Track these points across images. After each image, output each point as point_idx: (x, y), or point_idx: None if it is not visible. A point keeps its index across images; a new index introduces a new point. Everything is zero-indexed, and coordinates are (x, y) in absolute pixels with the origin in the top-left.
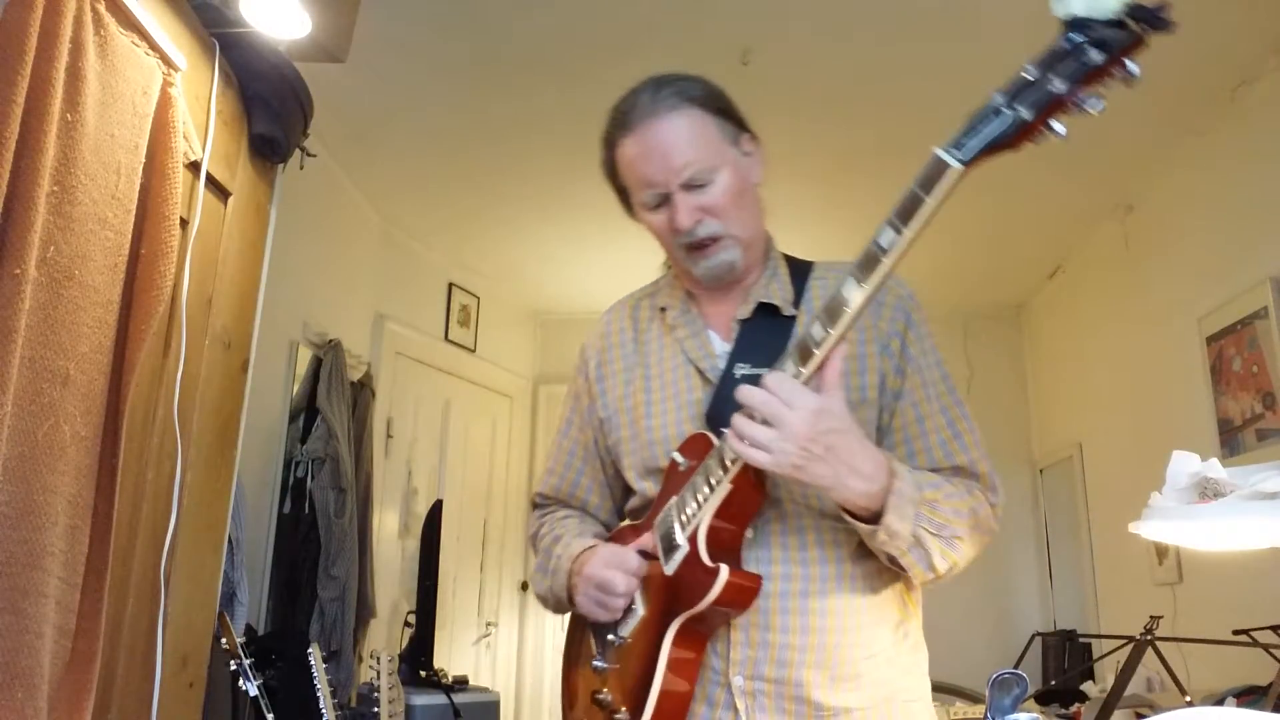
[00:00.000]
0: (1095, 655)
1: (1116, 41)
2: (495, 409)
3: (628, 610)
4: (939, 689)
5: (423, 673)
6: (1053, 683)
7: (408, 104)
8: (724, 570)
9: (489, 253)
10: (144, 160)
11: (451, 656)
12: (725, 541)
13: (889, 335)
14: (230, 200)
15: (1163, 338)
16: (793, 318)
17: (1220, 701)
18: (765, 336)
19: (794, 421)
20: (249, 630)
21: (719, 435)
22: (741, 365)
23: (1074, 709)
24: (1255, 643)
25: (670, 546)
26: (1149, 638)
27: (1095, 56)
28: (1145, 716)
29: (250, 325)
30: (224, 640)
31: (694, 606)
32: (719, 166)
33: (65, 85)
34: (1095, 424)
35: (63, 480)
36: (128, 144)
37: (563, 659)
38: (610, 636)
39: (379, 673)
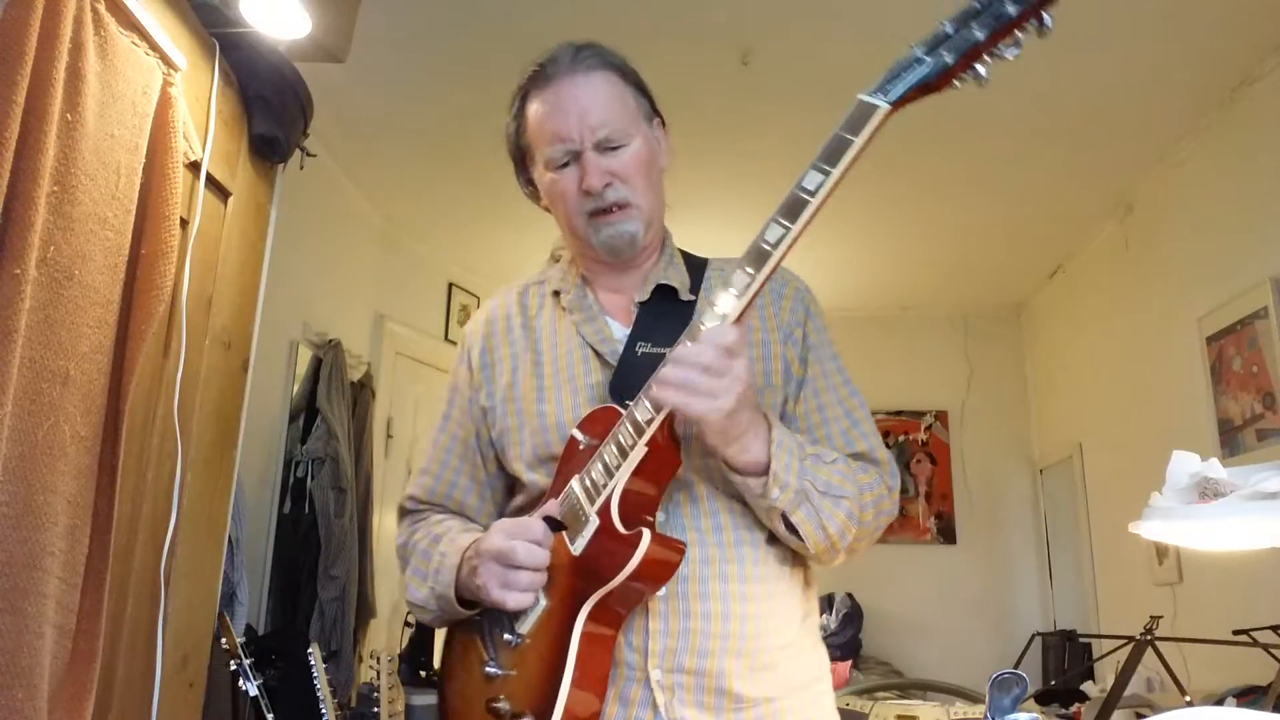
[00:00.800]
0: (1095, 655)
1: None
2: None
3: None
4: (939, 689)
5: (423, 673)
6: (1053, 683)
7: (408, 104)
8: (646, 534)
9: (489, 253)
10: (144, 160)
11: None
12: (639, 514)
13: (791, 325)
14: (230, 200)
15: (1163, 338)
16: (691, 302)
17: (1220, 701)
18: (664, 319)
19: (739, 367)
20: (249, 630)
21: (624, 406)
22: (642, 344)
23: (1074, 709)
24: (1255, 643)
25: (577, 524)
26: (1149, 638)
27: (1010, 9)
28: (1145, 716)
29: (250, 325)
30: (224, 640)
31: (613, 579)
32: (633, 134)
33: (65, 85)
34: (1095, 424)
35: (63, 480)
36: (128, 144)
37: (440, 678)
38: (507, 636)
39: (379, 673)
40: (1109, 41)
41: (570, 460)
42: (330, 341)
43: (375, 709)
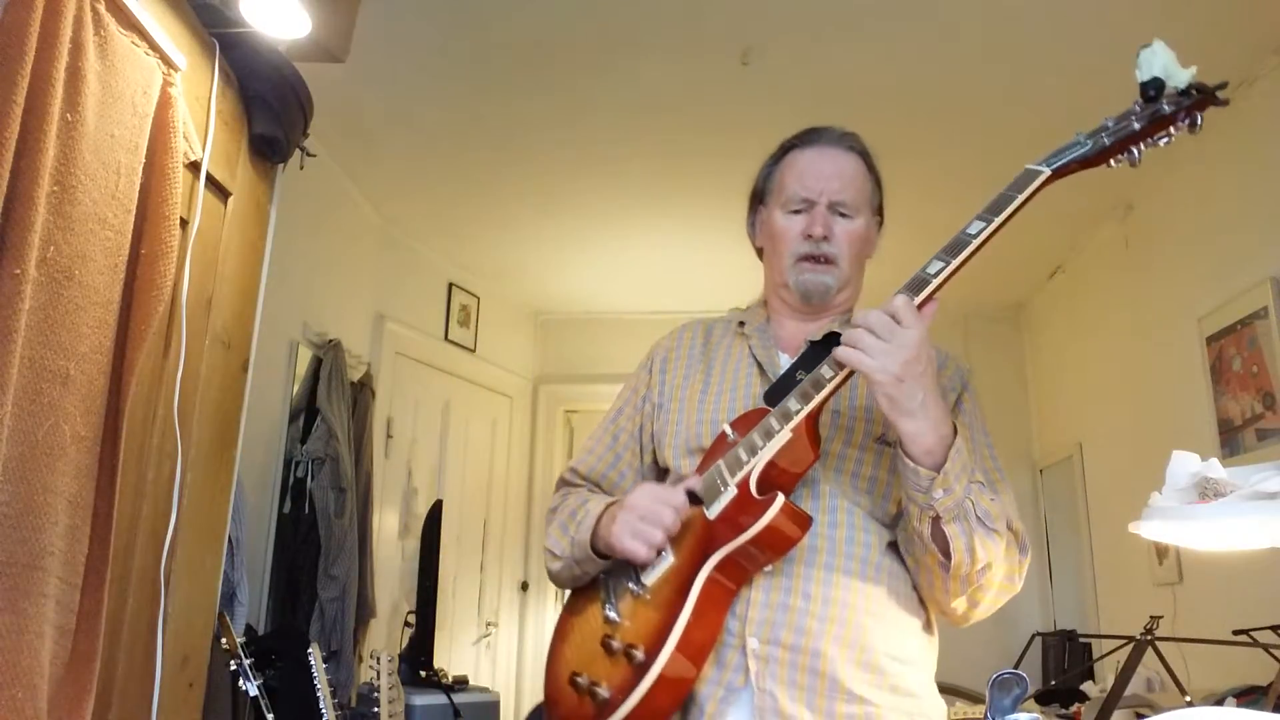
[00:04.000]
0: (1095, 655)
1: (1184, 103)
2: (495, 409)
3: (655, 560)
4: (939, 689)
5: (423, 673)
6: (1053, 683)
7: (408, 104)
8: (780, 498)
9: (489, 253)
10: (144, 160)
11: (451, 656)
12: (774, 489)
13: (947, 389)
14: (230, 200)
15: (1163, 338)
16: None
17: (1220, 701)
18: (826, 356)
19: (907, 336)
20: (249, 630)
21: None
22: (801, 372)
23: (1074, 709)
24: (1255, 643)
25: (714, 494)
26: (1149, 638)
27: (1166, 108)
28: (1145, 716)
29: (250, 325)
30: (224, 640)
31: (741, 534)
32: (861, 212)
33: (65, 85)
34: (1095, 424)
35: (63, 480)
36: (128, 144)
37: (563, 613)
38: (631, 586)
39: (379, 673)
40: (1109, 41)
41: (717, 452)
42: (330, 341)
43: (375, 709)
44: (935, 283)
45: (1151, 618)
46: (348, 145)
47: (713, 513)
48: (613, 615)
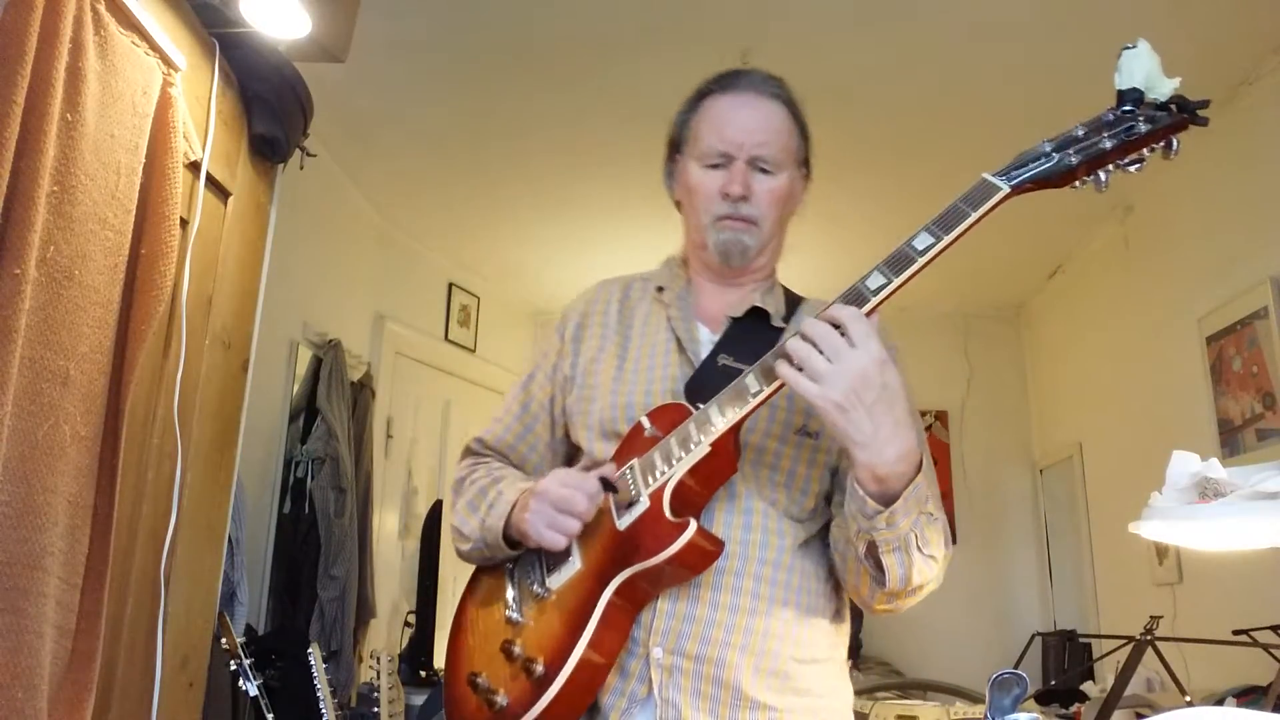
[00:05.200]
0: (1095, 655)
1: (1162, 120)
2: (495, 409)
3: (562, 560)
4: (939, 689)
5: (423, 673)
6: (1053, 683)
7: (408, 104)
8: (693, 524)
9: (489, 253)
10: (144, 160)
11: None
12: (687, 505)
13: None
14: (230, 200)
15: (1163, 338)
16: (780, 329)
17: (1220, 701)
18: (750, 340)
19: (856, 360)
20: (249, 630)
21: (695, 407)
22: (725, 356)
23: (1074, 709)
24: (1255, 643)
25: (628, 502)
26: (1149, 638)
27: (1142, 127)
28: (1145, 716)
29: (250, 325)
30: (224, 640)
31: (650, 559)
32: (784, 167)
33: (65, 85)
34: (1095, 424)
35: (63, 480)
36: (128, 144)
37: (461, 608)
38: (536, 589)
39: (379, 673)
40: (1109, 41)
41: (633, 444)
42: (330, 341)
43: (375, 709)
44: (874, 301)
45: (1151, 618)
46: (348, 145)
47: (623, 524)
48: (515, 616)
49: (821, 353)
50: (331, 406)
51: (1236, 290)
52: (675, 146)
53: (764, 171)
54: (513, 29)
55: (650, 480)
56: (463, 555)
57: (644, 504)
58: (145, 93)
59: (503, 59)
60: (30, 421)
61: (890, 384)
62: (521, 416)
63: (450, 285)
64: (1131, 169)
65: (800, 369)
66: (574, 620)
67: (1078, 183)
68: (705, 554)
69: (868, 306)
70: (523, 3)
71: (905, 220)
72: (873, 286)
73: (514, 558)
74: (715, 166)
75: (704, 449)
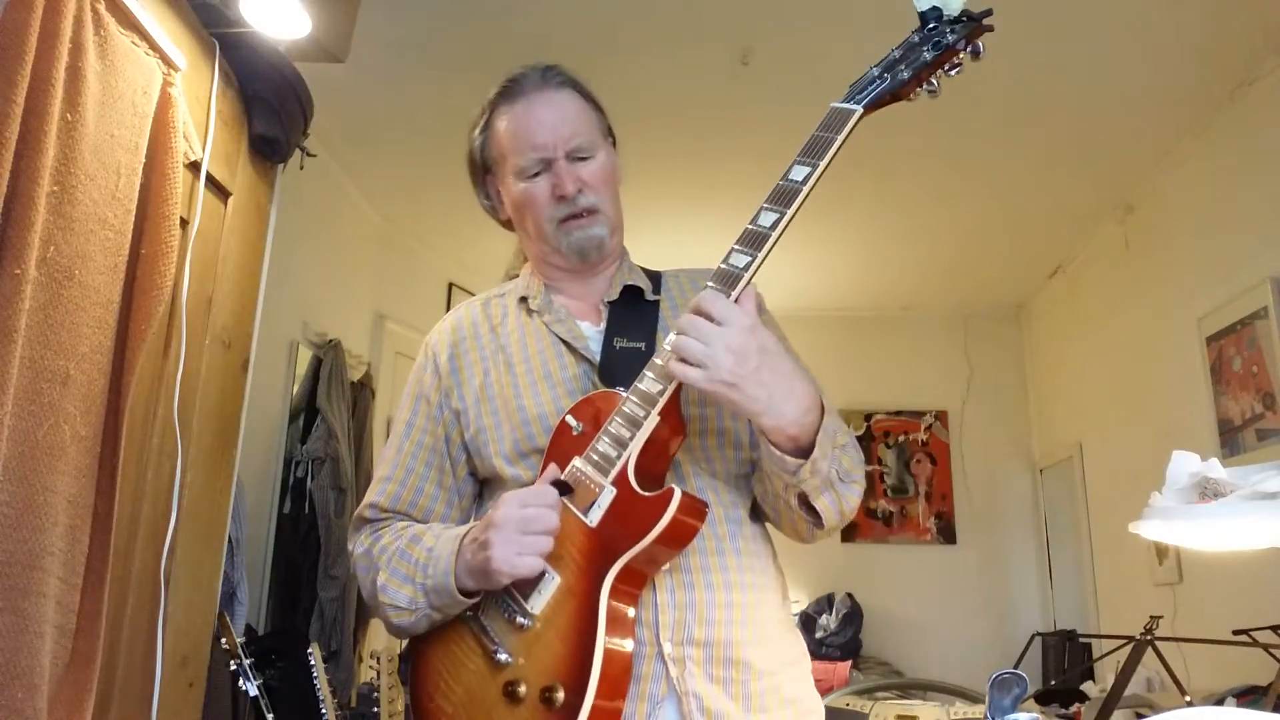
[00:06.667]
0: (1095, 655)
1: (960, 31)
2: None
3: (535, 582)
4: (939, 689)
5: None
6: (1053, 683)
7: (408, 104)
8: (677, 491)
9: (489, 253)
10: (144, 160)
11: None
12: (653, 477)
13: None
14: (230, 200)
15: (1163, 338)
16: (656, 302)
17: (1220, 701)
18: (634, 316)
19: (727, 335)
20: (249, 630)
21: (622, 390)
22: (619, 339)
23: (1074, 709)
24: (1255, 643)
25: (587, 497)
26: (1149, 638)
27: (949, 37)
28: (1145, 716)
29: (250, 325)
30: (224, 640)
31: (643, 539)
32: (599, 146)
33: (65, 85)
34: (1095, 424)
35: (63, 480)
36: (128, 144)
37: (420, 685)
38: (519, 620)
39: (379, 673)
40: (1109, 42)
41: (561, 446)
42: (330, 341)
43: (375, 709)
44: (774, 237)
45: (1151, 618)
46: (348, 145)
47: (594, 519)
48: (503, 658)
49: (697, 339)
50: (331, 406)
51: (1236, 290)
52: (483, 169)
53: (583, 159)
54: (513, 29)
55: (607, 469)
56: (405, 629)
57: (610, 492)
58: (145, 93)
59: (503, 59)
60: (30, 421)
61: (767, 346)
62: (414, 468)
63: (450, 285)
64: (952, 73)
65: (686, 359)
66: (578, 632)
67: (913, 94)
68: (695, 517)
69: (768, 243)
70: (523, 3)
71: (906, 224)
72: (766, 223)
73: (473, 605)
74: (538, 174)
75: (653, 420)
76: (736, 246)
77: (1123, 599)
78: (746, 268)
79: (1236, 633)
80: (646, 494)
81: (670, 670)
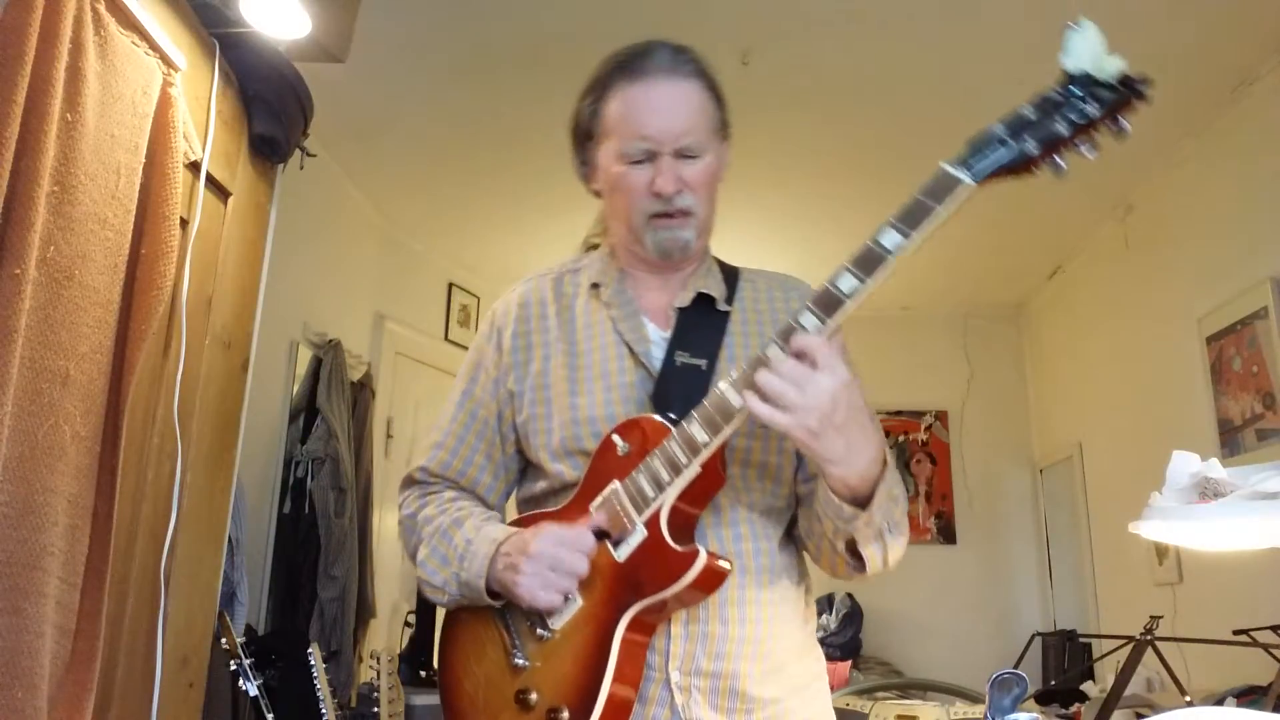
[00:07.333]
0: (1095, 655)
1: (1110, 100)
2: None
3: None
4: (939, 689)
5: (423, 673)
6: (1053, 683)
7: (408, 104)
8: (702, 553)
9: (489, 253)
10: (144, 160)
11: None
12: (683, 527)
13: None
14: (230, 200)
15: (1163, 338)
16: (726, 313)
17: (1220, 701)
18: (701, 328)
19: (824, 384)
20: (249, 630)
21: (670, 420)
22: (681, 354)
23: (1074, 709)
24: (1255, 643)
25: (619, 530)
26: (1149, 638)
27: (1093, 110)
28: (1145, 716)
29: (250, 325)
30: (224, 640)
31: (662, 592)
32: (709, 147)
33: (65, 85)
34: (1095, 424)
35: (63, 480)
36: (128, 144)
37: (448, 654)
38: (539, 631)
39: (379, 673)
40: (1109, 41)
41: (605, 462)
42: (330, 341)
43: (375, 709)
44: (849, 306)
45: (1151, 618)
46: (348, 145)
47: (622, 555)
48: (520, 661)
49: (788, 383)
50: (331, 406)
51: (1236, 290)
52: (586, 135)
53: (689, 158)
54: (513, 29)
55: (641, 507)
56: (438, 603)
57: (641, 533)
58: (145, 93)
59: (503, 59)
60: (30, 421)
61: (855, 402)
62: (465, 438)
63: (450, 285)
64: (1085, 152)
65: (772, 401)
66: (590, 660)
67: (1035, 169)
68: (718, 577)
69: (841, 310)
70: (523, 3)
71: None
72: (845, 289)
73: (502, 603)
74: (639, 162)
75: (694, 470)
76: (811, 306)
77: (1123, 599)
78: (819, 332)
79: (1236, 633)
80: (674, 546)
81: (676, 698)
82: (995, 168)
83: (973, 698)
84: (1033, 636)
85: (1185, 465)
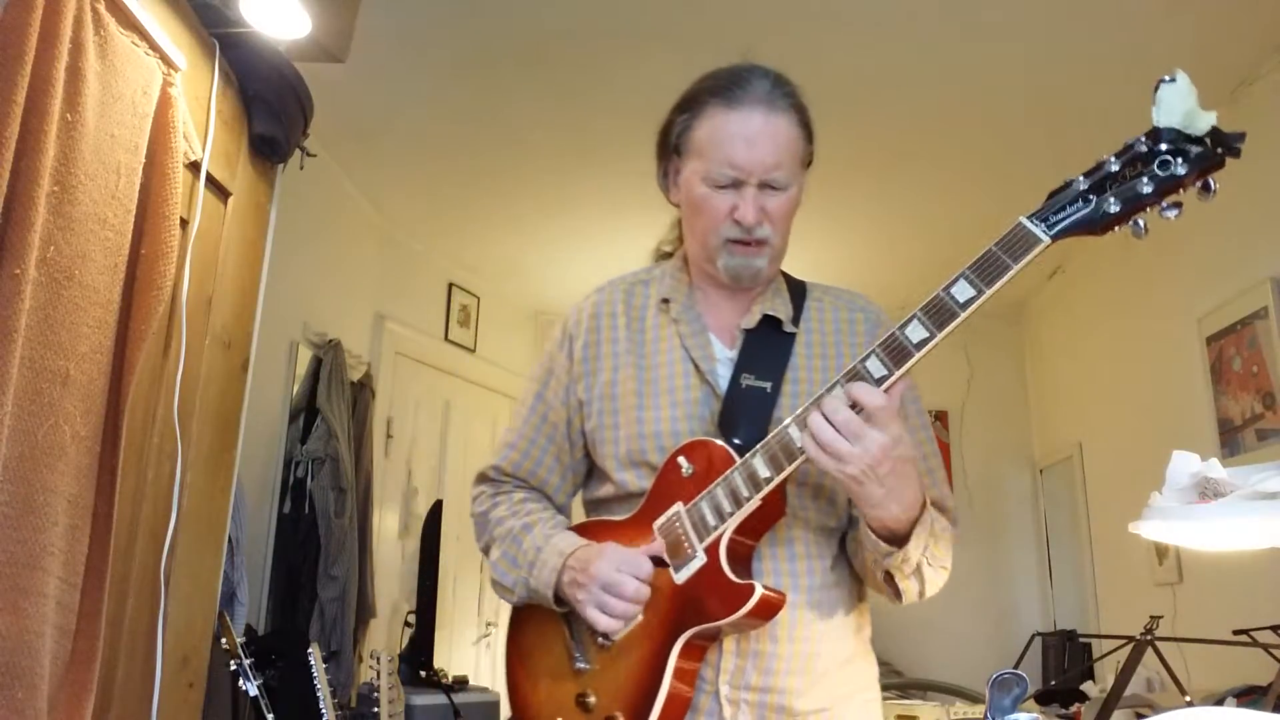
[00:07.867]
0: (1095, 655)
1: (1199, 159)
2: (495, 409)
3: None
4: (939, 689)
5: (423, 673)
6: (1053, 683)
7: (408, 104)
8: (759, 589)
9: (489, 253)
10: (144, 160)
11: (451, 656)
12: (741, 554)
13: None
14: (230, 200)
15: (1163, 338)
16: (792, 335)
17: (1220, 701)
18: (767, 349)
19: (875, 439)
20: (249, 630)
21: (735, 447)
22: (746, 376)
23: (1074, 709)
24: (1255, 643)
25: (680, 552)
26: (1149, 638)
27: (1180, 169)
28: (1145, 716)
29: (250, 325)
30: (224, 640)
31: (717, 620)
32: (794, 181)
33: (65, 85)
34: (1095, 424)
35: (63, 480)
36: (128, 144)
37: (514, 649)
38: (600, 639)
39: (379, 673)
40: (1109, 41)
41: (670, 481)
42: (330, 341)
43: (375, 709)
44: (916, 358)
45: (1151, 618)
46: (348, 145)
47: (681, 577)
48: (582, 665)
49: (840, 433)
50: (331, 406)
51: (1236, 290)
52: (673, 150)
53: (774, 189)
54: (513, 29)
55: (703, 534)
56: (505, 599)
57: (700, 559)
58: (145, 93)
59: (503, 59)
60: (30, 421)
61: (903, 454)
62: (536, 440)
63: (450, 285)
64: (1170, 214)
65: (822, 446)
66: (646, 674)
67: (1117, 228)
68: (772, 609)
69: (911, 361)
70: (523, 3)
71: (908, 223)
72: (915, 339)
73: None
74: (724, 188)
75: (755, 503)
76: (879, 354)
77: (1123, 599)
78: (885, 380)
79: (1236, 633)
80: (732, 578)
81: (725, 710)
82: (1071, 226)
83: (973, 698)
84: (1033, 636)
85: (1185, 465)
